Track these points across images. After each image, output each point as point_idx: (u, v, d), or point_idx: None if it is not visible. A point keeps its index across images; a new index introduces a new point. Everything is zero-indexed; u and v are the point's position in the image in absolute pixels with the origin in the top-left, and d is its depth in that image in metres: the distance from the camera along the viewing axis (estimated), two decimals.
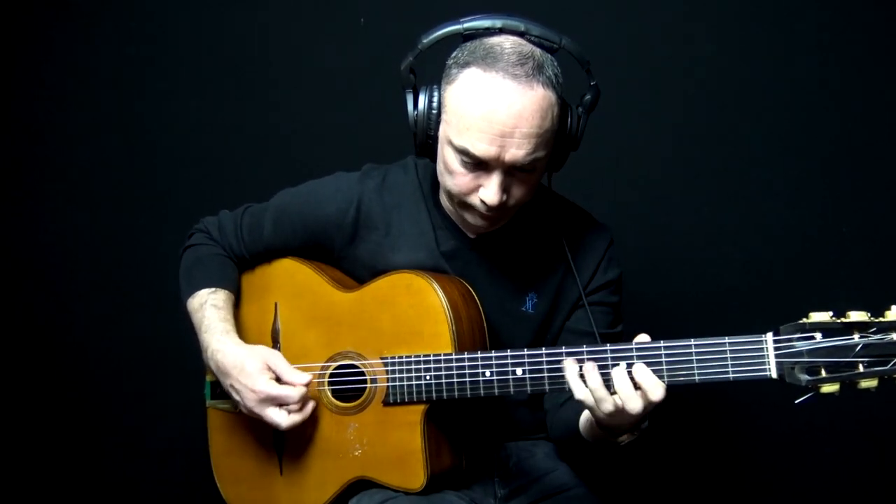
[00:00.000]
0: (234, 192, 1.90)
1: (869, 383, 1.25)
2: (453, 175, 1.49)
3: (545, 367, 1.43)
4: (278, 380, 1.58)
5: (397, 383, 1.54)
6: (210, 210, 1.82)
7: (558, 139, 1.51)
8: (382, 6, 2.42)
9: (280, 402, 1.56)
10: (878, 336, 1.24)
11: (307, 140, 2.49)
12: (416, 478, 1.53)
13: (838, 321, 1.26)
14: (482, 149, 1.42)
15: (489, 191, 1.46)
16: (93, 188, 2.60)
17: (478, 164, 1.45)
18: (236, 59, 2.52)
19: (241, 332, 1.69)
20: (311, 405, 1.60)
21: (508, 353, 1.46)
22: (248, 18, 2.51)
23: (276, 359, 1.60)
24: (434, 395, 1.51)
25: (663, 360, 1.35)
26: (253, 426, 1.70)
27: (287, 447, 1.67)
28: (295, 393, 1.56)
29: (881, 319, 1.25)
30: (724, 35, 2.26)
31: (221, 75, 2.53)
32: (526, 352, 1.44)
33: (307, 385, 1.57)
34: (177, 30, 2.54)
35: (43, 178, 2.62)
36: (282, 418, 1.56)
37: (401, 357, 1.54)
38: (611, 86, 1.66)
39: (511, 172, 1.46)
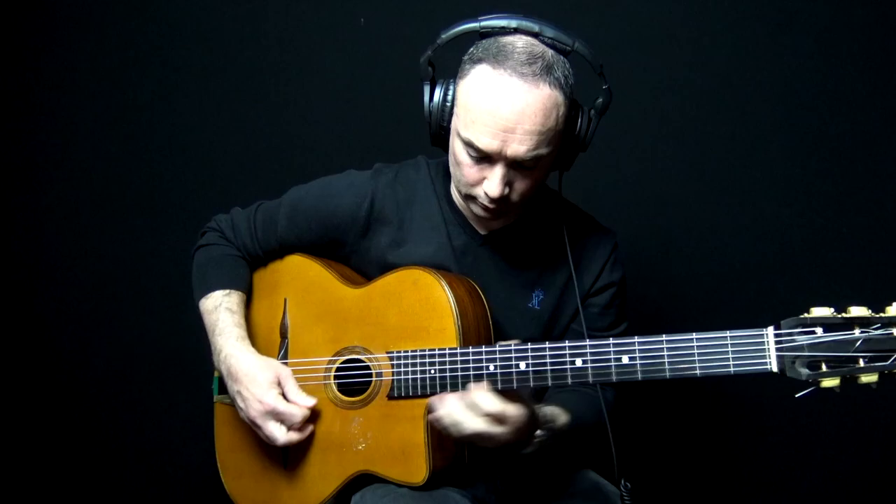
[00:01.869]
0: (243, 192, 1.93)
1: (869, 378, 1.25)
2: (461, 166, 1.53)
3: (548, 361, 1.44)
4: (284, 397, 1.61)
5: (402, 377, 1.56)
6: (219, 209, 1.84)
7: (567, 140, 1.55)
8: (382, 6, 2.45)
9: (282, 419, 1.59)
10: (879, 331, 1.25)
11: (315, 139, 2.51)
12: (419, 471, 1.54)
13: (839, 316, 1.27)
14: (485, 142, 1.46)
15: (491, 183, 1.50)
16: (103, 187, 2.63)
17: (482, 158, 1.49)
18: (243, 59, 2.55)
19: (252, 328, 1.72)
20: (309, 428, 1.63)
21: (512, 346, 1.47)
22: (252, 19, 2.54)
23: (287, 376, 1.63)
24: (438, 388, 1.52)
25: (665, 353, 1.36)
26: None
27: None
28: (299, 413, 1.59)
29: (882, 315, 1.26)
30: (730, 38, 2.28)
31: (227, 75, 2.56)
32: (529, 346, 1.46)
33: (311, 408, 1.61)
34: (182, 31, 2.58)
35: (53, 177, 2.65)
36: (280, 434, 1.59)
37: (406, 351, 1.56)
38: (627, 89, 1.68)
39: (514, 167, 1.50)
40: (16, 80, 2.65)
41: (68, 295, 2.64)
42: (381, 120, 2.40)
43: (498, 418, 1.42)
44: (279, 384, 1.61)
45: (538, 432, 1.52)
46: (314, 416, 1.63)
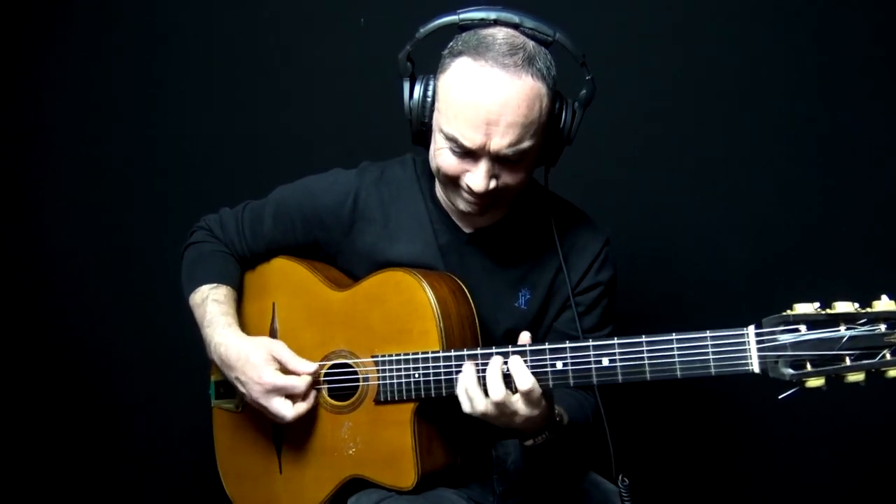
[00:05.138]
0: (233, 191, 1.91)
1: (856, 377, 1.20)
2: (442, 161, 1.50)
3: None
4: (283, 370, 1.60)
5: (387, 381, 1.54)
6: (210, 208, 1.83)
7: (552, 134, 1.51)
8: (382, 7, 2.42)
9: (286, 392, 1.58)
10: (866, 328, 1.19)
11: (306, 138, 2.50)
12: (407, 476, 1.53)
13: (823, 312, 1.22)
14: (469, 136, 1.43)
15: (475, 177, 1.46)
16: (94, 188, 2.64)
17: (466, 153, 1.46)
18: (236, 58, 2.54)
19: (243, 331, 1.69)
20: (313, 395, 1.61)
21: (494, 349, 1.44)
22: (247, 19, 2.52)
23: (281, 348, 1.61)
24: (423, 392, 1.51)
25: (645, 354, 1.32)
26: (255, 426, 1.72)
27: (285, 446, 1.68)
28: (301, 382, 1.58)
29: (868, 310, 1.20)
30: (717, 28, 2.22)
31: (221, 75, 2.55)
32: (511, 348, 1.43)
33: (313, 373, 1.59)
34: (177, 30, 2.57)
35: (46, 178, 2.66)
36: (287, 409, 1.58)
37: (390, 355, 1.54)
38: (612, 80, 1.64)
39: (499, 161, 1.46)
40: (13, 81, 2.66)
41: (65, 300, 2.67)
42: (371, 119, 2.38)
43: (501, 406, 1.40)
44: (274, 359, 1.60)
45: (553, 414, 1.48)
46: (308, 420, 1.62)
